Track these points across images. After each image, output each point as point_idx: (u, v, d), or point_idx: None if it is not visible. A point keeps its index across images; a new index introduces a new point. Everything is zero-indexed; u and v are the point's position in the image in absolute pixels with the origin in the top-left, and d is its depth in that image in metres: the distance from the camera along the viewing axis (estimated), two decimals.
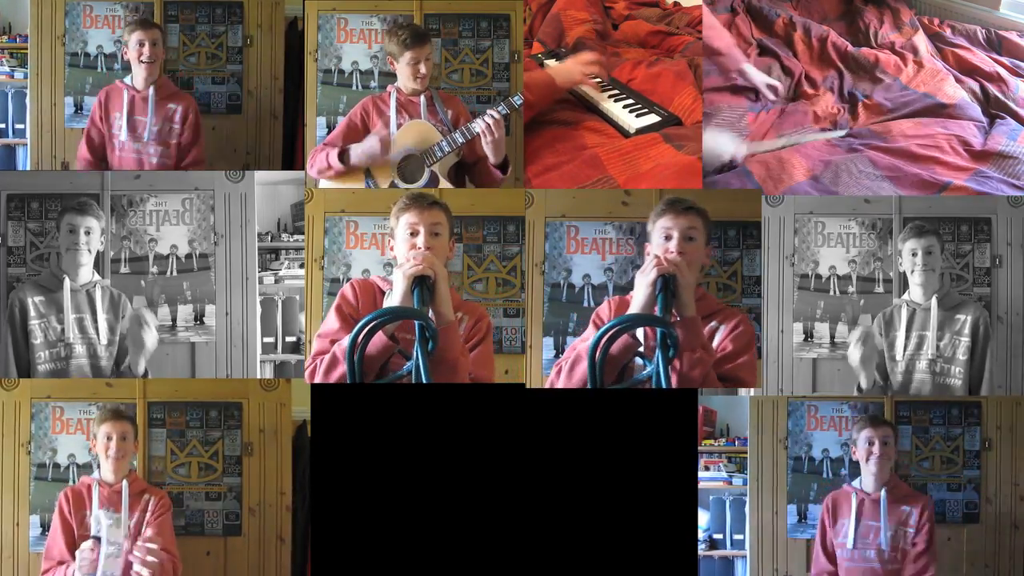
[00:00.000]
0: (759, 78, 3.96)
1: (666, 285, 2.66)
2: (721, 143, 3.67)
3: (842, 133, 3.84)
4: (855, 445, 3.54)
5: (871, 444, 3.49)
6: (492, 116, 3.54)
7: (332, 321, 2.91)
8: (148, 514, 3.36)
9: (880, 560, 3.44)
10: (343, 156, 3.61)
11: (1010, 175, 3.68)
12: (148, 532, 3.29)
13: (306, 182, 3.78)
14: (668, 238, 2.84)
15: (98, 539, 3.23)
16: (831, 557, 3.51)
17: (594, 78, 3.71)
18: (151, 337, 3.67)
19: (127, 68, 3.82)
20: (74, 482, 3.59)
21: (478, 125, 3.56)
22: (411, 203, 2.90)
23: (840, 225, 3.82)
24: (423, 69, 3.64)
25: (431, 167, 3.63)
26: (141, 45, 3.73)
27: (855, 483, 3.54)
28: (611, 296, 3.73)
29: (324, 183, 3.71)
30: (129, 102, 3.75)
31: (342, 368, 2.73)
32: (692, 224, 2.84)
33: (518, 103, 3.59)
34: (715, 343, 2.86)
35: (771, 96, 3.93)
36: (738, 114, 3.86)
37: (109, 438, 3.40)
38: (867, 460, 3.50)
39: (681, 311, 2.68)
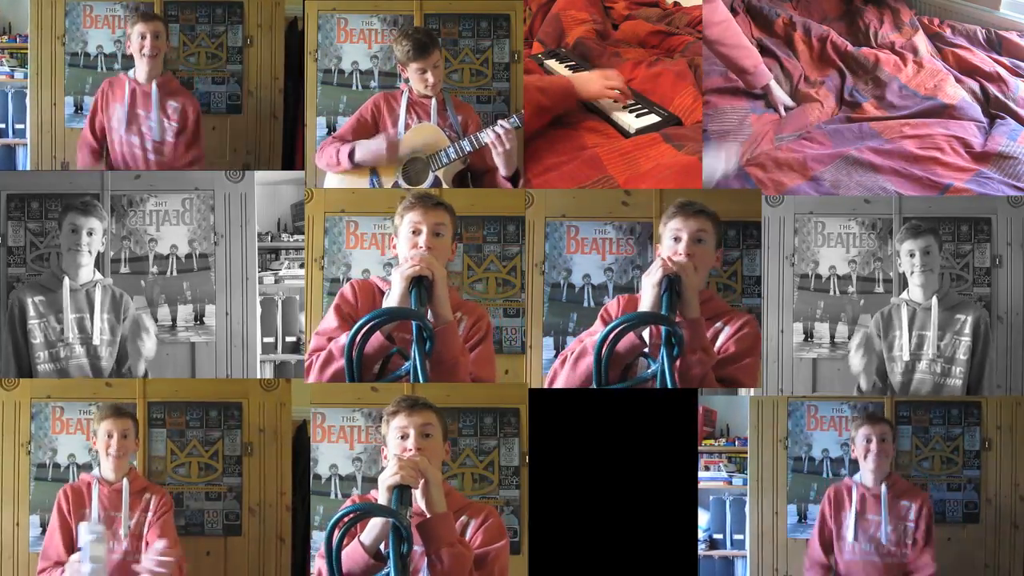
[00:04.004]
0: (781, 97, 3.95)
1: (671, 286, 2.67)
2: (717, 161, 3.68)
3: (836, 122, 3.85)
4: (854, 443, 3.56)
5: (868, 441, 3.52)
6: (503, 127, 3.52)
7: (331, 319, 2.92)
8: (150, 514, 3.35)
9: (879, 553, 3.47)
10: (351, 154, 3.61)
11: (1010, 175, 3.68)
12: (159, 544, 3.26)
13: (306, 182, 3.78)
14: (677, 240, 2.86)
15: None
16: (827, 548, 3.53)
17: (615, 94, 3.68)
18: (150, 345, 3.67)
19: (126, 66, 3.82)
20: (74, 482, 3.59)
21: (487, 135, 3.54)
22: (416, 202, 2.90)
23: (840, 225, 3.82)
24: (431, 78, 3.63)
25: (435, 172, 3.62)
26: (143, 38, 3.71)
27: (855, 478, 3.56)
28: (611, 295, 3.74)
29: (327, 182, 3.71)
30: (130, 95, 3.74)
31: (336, 365, 2.74)
32: (702, 227, 2.86)
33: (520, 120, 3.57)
34: (718, 344, 2.86)
35: (782, 113, 3.93)
36: (740, 116, 3.86)
37: (110, 435, 3.38)
38: (865, 457, 3.53)
39: (685, 312, 2.68)
